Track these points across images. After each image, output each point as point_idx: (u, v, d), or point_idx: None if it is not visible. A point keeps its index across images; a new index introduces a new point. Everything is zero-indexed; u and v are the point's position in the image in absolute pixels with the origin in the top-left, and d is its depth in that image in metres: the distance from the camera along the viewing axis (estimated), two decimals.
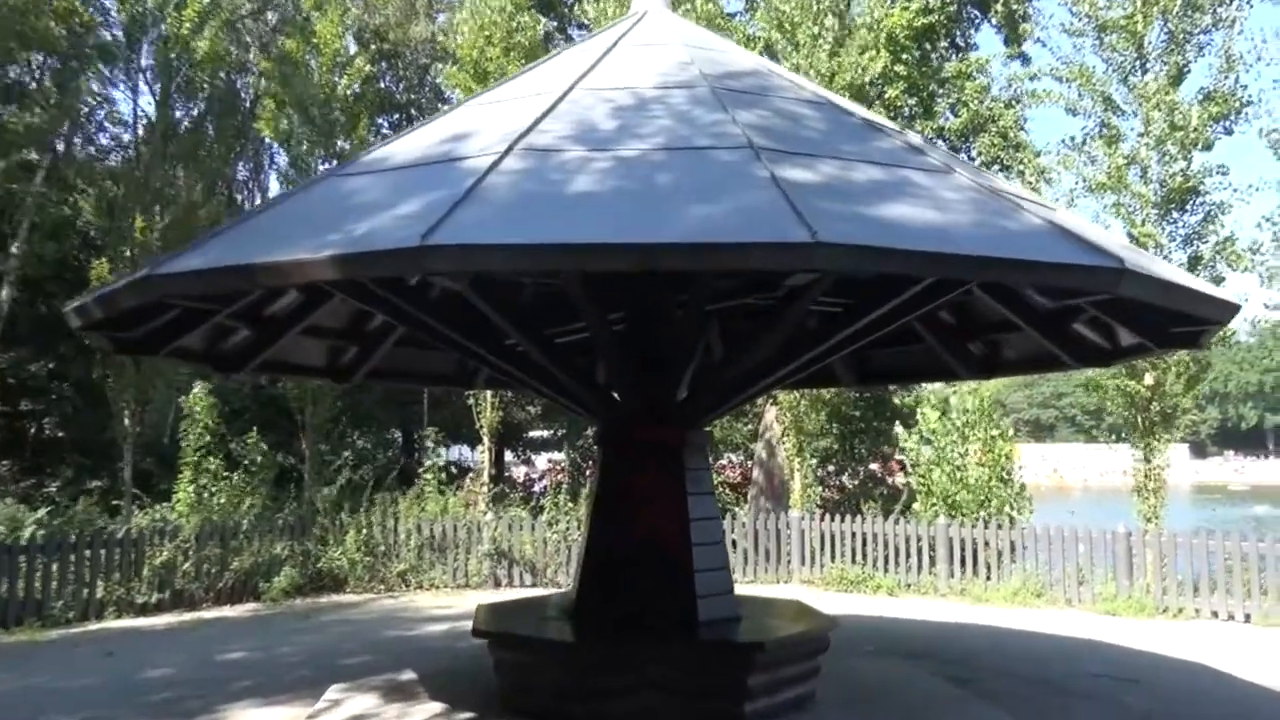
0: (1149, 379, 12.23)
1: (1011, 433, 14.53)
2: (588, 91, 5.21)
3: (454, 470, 19.47)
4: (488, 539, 13.28)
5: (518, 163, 4.20)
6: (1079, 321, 6.79)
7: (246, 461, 13.67)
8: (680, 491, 5.96)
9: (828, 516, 13.47)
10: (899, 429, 14.91)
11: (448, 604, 11.73)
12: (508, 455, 24.74)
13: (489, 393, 15.42)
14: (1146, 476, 12.17)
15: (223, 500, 13.20)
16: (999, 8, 17.25)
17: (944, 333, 7.88)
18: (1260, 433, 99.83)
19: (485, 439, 15.67)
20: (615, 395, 6.47)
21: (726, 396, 6.51)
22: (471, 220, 3.58)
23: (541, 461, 26.35)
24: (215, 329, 6.95)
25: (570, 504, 13.86)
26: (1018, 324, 7.07)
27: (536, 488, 19.96)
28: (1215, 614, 10.93)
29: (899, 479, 21.35)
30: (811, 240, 3.35)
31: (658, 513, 5.94)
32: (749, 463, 19.63)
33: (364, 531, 12.97)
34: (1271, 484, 63.07)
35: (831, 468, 19.13)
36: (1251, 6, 12.79)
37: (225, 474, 13.44)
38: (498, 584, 13.18)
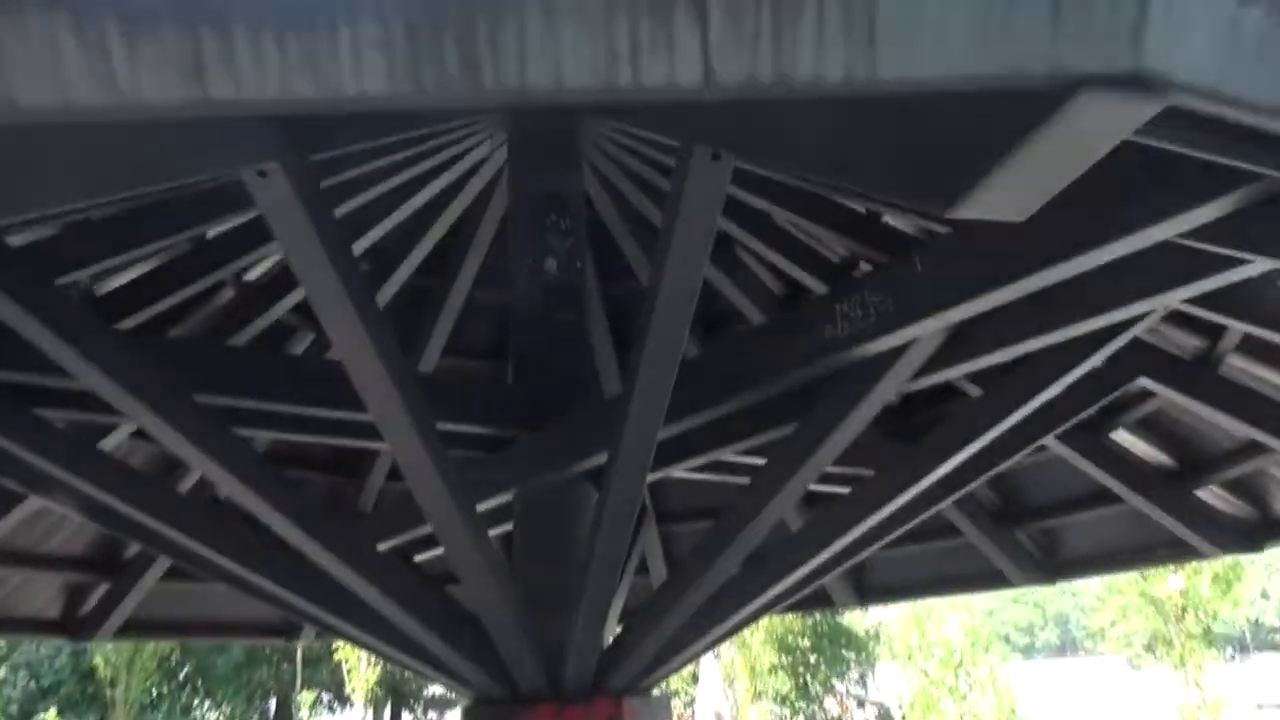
0: (1176, 582, 9.76)
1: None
2: None
3: None
4: None
5: None
6: (1214, 480, 4.34)
7: None
8: None
9: None
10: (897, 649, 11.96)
11: None
12: (405, 716, 20.60)
13: None
14: (1199, 708, 9.43)
15: None
16: None
17: (983, 519, 5.32)
18: None
19: (360, 705, 12.11)
20: (496, 647, 3.63)
21: (687, 638, 3.72)
22: None
23: None
24: None
25: None
26: (1108, 494, 4.58)
27: None
28: None
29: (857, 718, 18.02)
30: None
31: None
32: (687, 712, 16.20)
33: None
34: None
35: (785, 711, 15.85)
36: None
37: None
38: None
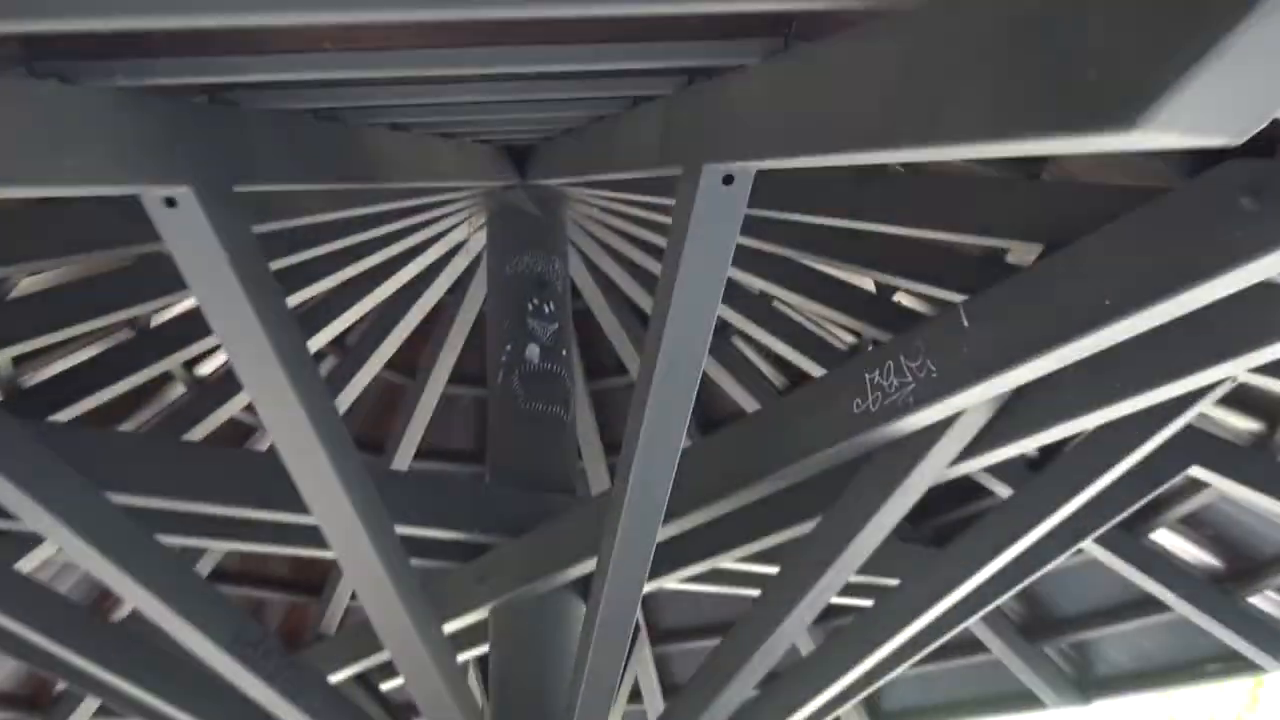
0: (1204, 695, 9.13)
1: None
2: None
3: None
4: None
5: None
6: (1270, 584, 3.88)
7: None
8: None
9: None
10: None
11: None
12: None
13: None
14: None
15: None
16: None
17: (1009, 632, 4.81)
18: None
19: None
20: None
21: None
22: None
23: None
24: None
25: None
26: (1150, 601, 4.10)
27: None
28: None
29: None
30: None
31: None
32: None
33: None
34: None
35: None
36: None
37: None
38: None
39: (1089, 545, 3.89)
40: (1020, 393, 2.13)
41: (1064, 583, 4.47)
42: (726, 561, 2.87)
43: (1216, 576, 3.95)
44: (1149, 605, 4.15)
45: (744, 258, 3.64)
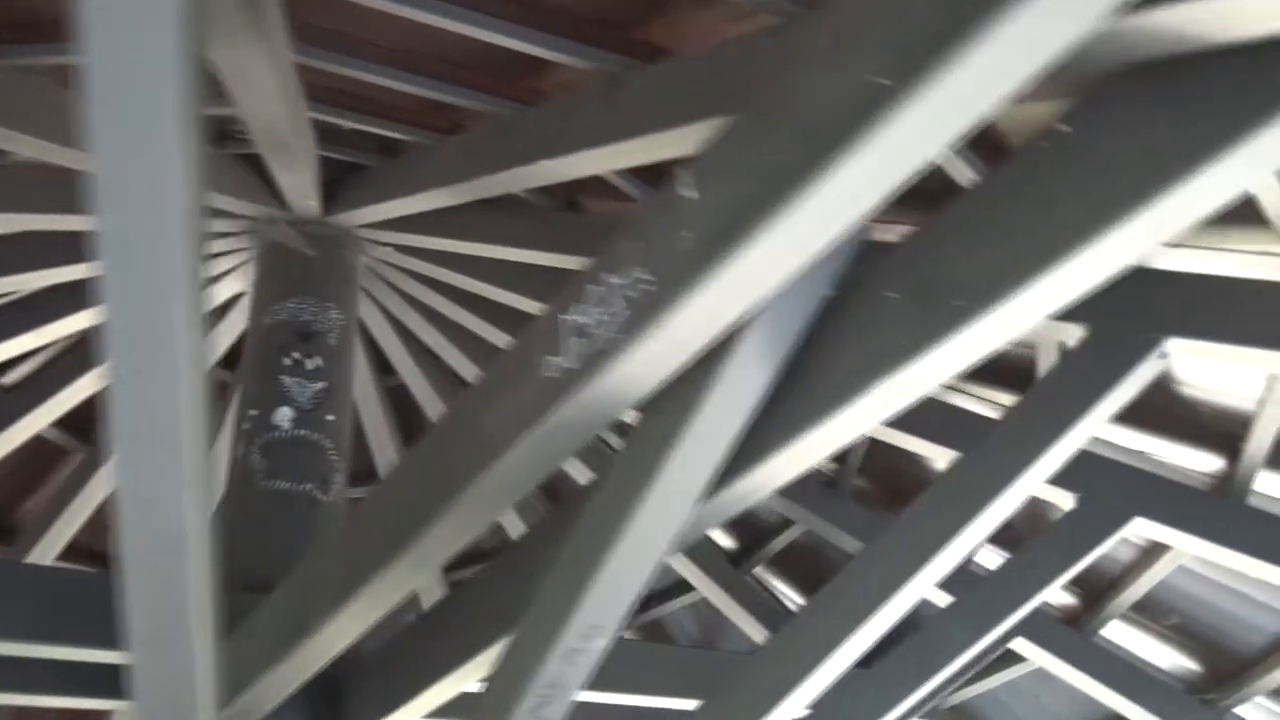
0: None
1: None
2: None
3: None
4: None
5: None
6: (1257, 688, 2.93)
7: None
8: None
9: None
10: None
11: None
12: None
13: None
14: None
15: None
16: None
17: None
18: None
19: None
20: None
21: None
22: None
23: None
24: None
25: None
26: None
27: None
28: None
29: None
30: None
31: None
32: None
33: None
34: None
35: None
36: None
37: None
38: None
39: (1027, 649, 2.99)
40: (817, 348, 1.30)
41: (1006, 702, 3.48)
42: (452, 690, 1.87)
43: (1194, 683, 3.01)
44: None
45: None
